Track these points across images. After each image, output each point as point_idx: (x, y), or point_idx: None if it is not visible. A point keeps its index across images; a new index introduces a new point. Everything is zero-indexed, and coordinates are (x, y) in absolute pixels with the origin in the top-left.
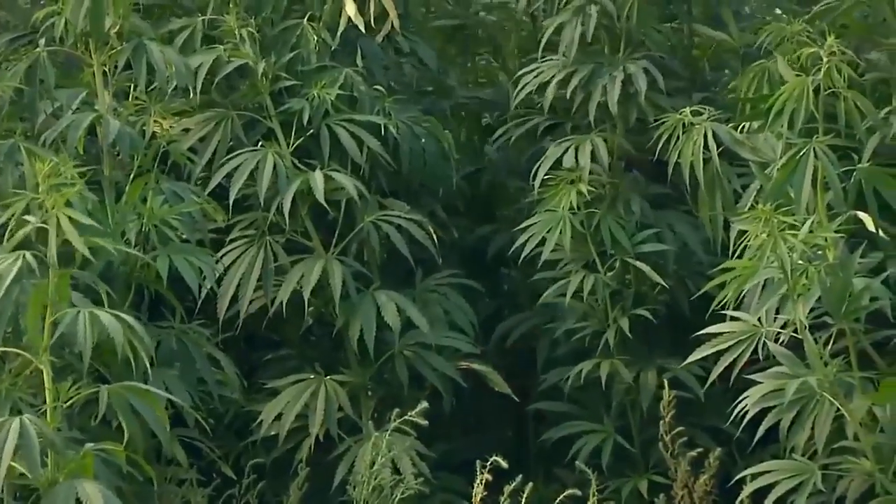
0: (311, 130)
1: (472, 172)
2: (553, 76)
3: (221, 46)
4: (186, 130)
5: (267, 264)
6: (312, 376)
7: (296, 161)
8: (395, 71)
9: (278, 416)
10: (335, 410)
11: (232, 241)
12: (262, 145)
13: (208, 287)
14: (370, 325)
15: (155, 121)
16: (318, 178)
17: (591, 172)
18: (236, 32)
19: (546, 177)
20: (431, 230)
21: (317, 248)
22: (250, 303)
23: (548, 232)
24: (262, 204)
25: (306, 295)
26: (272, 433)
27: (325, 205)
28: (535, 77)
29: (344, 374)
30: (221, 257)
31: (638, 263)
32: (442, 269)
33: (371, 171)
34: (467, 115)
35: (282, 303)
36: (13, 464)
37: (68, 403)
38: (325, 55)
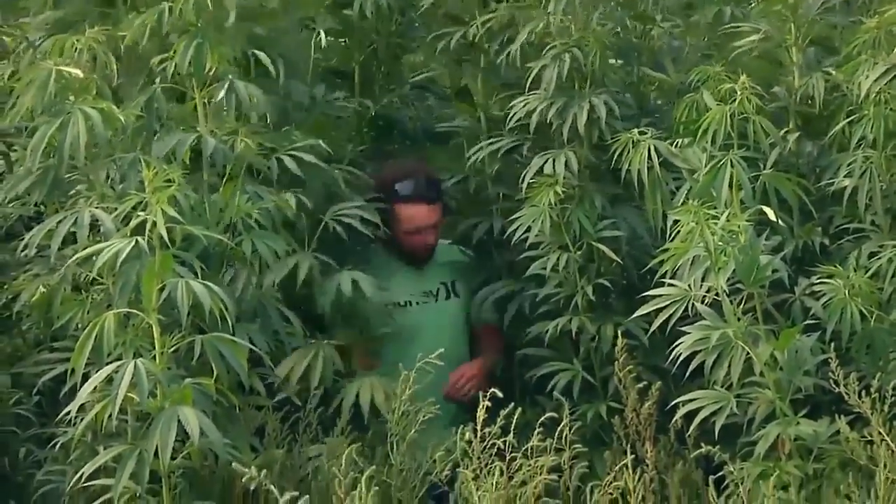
0: None
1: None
2: (537, 106)
3: None
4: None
5: None
6: None
7: None
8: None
9: None
10: None
11: None
12: None
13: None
14: None
15: (241, 139)
16: None
17: (564, 177)
18: None
19: (531, 181)
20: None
21: None
22: None
23: (533, 222)
24: None
25: None
26: None
27: None
28: (523, 106)
29: None
30: None
31: (599, 245)
32: None
33: None
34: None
35: None
36: (131, 395)
37: (173, 349)
38: None
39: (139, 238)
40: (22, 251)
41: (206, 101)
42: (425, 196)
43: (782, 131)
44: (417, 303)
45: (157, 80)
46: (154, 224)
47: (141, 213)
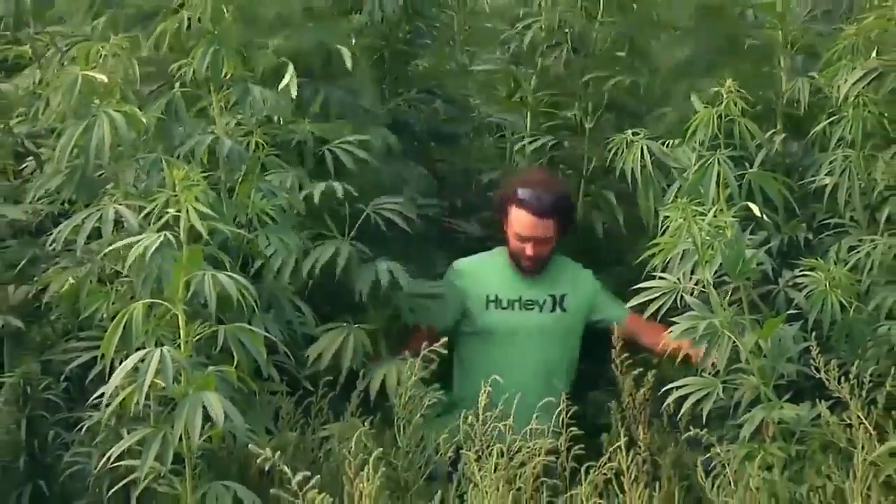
0: None
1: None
2: None
3: None
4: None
5: None
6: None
7: None
8: None
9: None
10: None
11: None
12: None
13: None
14: None
15: (256, 140)
16: None
17: None
18: None
19: None
20: None
21: None
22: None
23: None
24: None
25: None
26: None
27: None
28: None
29: None
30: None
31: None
32: None
33: None
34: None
35: None
36: (156, 381)
37: (196, 338)
38: None
39: (167, 233)
40: (50, 245)
41: (222, 103)
42: (536, 207)
43: (768, 133)
44: (518, 307)
45: (177, 83)
46: (183, 219)
47: (170, 210)
